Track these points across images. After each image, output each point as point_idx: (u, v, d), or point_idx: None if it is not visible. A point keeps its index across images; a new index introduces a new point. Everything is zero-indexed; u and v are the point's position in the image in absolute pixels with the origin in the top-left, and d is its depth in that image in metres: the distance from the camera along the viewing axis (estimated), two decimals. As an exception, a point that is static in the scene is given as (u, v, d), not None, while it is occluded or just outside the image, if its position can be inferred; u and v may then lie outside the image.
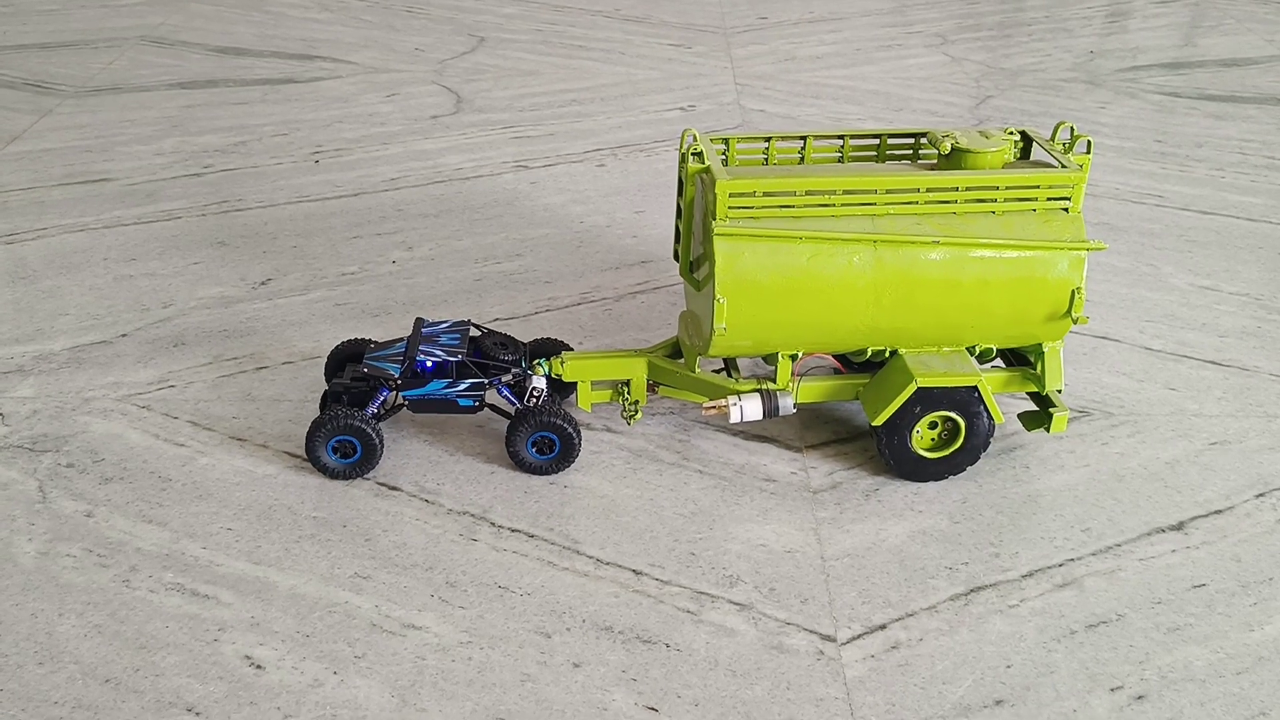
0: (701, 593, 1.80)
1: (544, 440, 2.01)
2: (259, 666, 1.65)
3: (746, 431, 2.16)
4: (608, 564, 1.85)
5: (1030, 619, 1.75)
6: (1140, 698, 1.62)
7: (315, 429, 1.97)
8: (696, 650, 1.69)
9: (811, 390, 2.05)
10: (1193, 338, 2.48)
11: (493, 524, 1.93)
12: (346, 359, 2.13)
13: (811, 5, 5.03)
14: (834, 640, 1.71)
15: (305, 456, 2.05)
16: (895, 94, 3.92)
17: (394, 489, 2.01)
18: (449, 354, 2.03)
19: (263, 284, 2.66)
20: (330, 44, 4.35)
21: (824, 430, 2.17)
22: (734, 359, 2.13)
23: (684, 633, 1.72)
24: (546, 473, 2.04)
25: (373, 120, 3.62)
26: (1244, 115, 3.76)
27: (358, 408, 2.05)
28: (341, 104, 3.75)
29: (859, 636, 1.72)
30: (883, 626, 1.74)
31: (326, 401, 2.08)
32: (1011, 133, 2.03)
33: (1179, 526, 1.94)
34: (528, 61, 4.20)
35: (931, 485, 2.02)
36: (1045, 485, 2.03)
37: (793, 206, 1.89)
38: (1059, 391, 2.07)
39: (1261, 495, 2.01)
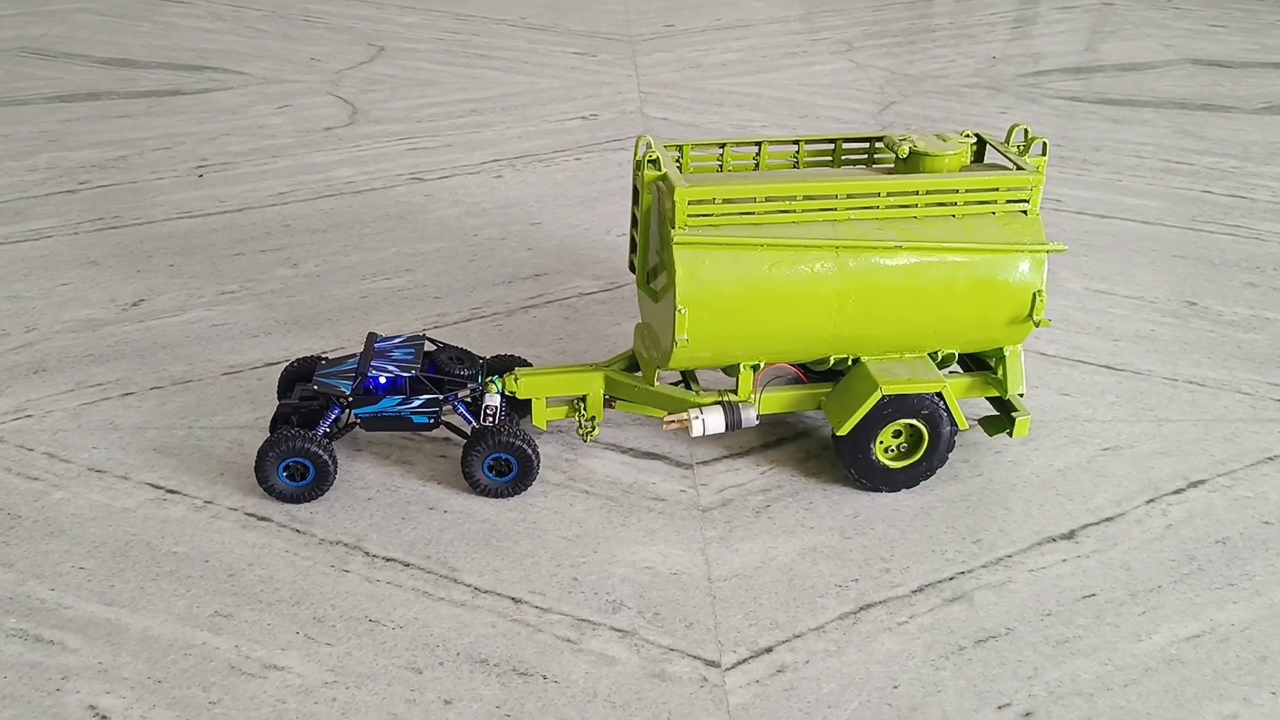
0: (583, 620, 1.72)
1: (501, 462, 1.93)
2: (104, 717, 1.54)
3: (636, 449, 2.10)
4: (486, 592, 1.77)
5: (919, 636, 1.70)
6: (1028, 715, 1.58)
7: (265, 451, 1.87)
8: (575, 681, 1.62)
9: (774, 401, 2.00)
10: (1087, 342, 2.47)
11: (367, 553, 1.84)
12: (298, 379, 2.04)
13: (719, 13, 5.00)
14: (718, 666, 1.65)
15: (202, 488, 1.94)
16: (800, 100, 3.89)
17: (263, 519, 1.91)
18: (402, 370, 1.94)
19: (134, 305, 2.54)
20: (222, 54, 4.21)
21: (715, 446, 2.11)
22: (693, 371, 2.07)
23: (563, 663, 1.65)
24: (502, 496, 1.95)
25: (262, 133, 3.50)
26: (1141, 119, 3.80)
27: (308, 428, 1.95)
28: (230, 116, 3.62)
29: (744, 661, 1.66)
30: (769, 649, 1.68)
31: (276, 423, 1.99)
32: (967, 135, 2.00)
33: (1070, 535, 1.91)
34: (427, 71, 4.10)
35: (822, 500, 1.97)
36: (938, 496, 1.99)
37: (753, 214, 1.84)
38: (1020, 395, 2.04)
39: (1152, 501, 1.99)
